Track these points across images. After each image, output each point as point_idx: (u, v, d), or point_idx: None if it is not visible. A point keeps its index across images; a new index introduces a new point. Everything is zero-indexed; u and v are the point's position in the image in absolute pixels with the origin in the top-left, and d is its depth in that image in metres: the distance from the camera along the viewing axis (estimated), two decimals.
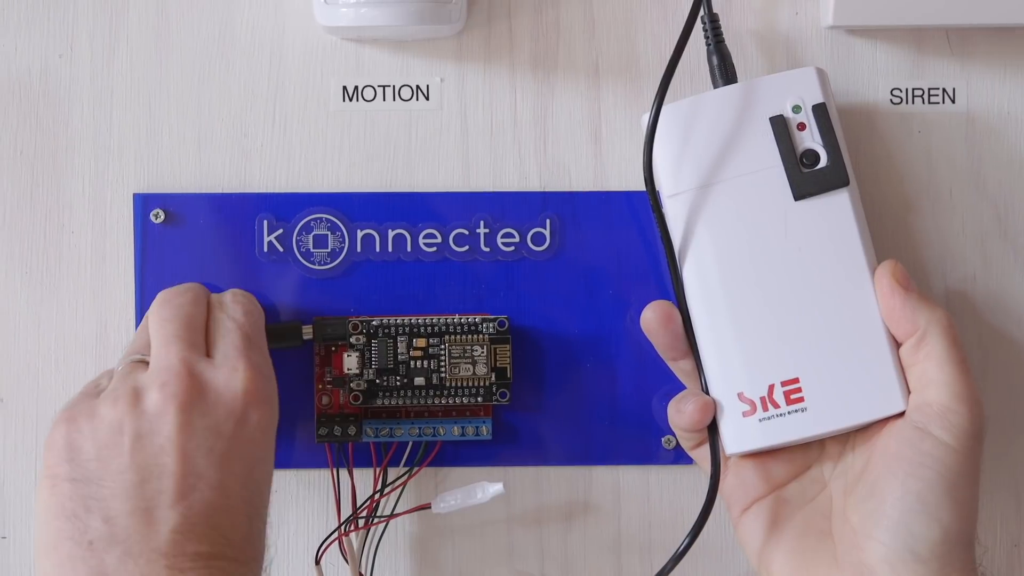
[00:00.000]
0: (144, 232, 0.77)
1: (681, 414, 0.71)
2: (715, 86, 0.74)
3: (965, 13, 0.75)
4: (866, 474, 0.69)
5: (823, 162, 0.71)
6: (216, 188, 0.77)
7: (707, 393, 0.71)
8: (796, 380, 0.70)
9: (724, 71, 0.74)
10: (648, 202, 0.72)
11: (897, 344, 0.70)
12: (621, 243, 0.77)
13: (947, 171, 0.78)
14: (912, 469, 0.67)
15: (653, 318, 0.72)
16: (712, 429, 0.71)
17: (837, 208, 0.71)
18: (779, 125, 0.72)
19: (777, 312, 0.71)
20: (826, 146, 0.71)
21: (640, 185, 0.77)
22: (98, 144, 0.77)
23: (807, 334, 0.70)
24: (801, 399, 0.70)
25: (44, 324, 0.77)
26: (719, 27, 0.74)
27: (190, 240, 0.77)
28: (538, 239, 0.77)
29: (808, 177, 0.71)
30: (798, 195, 0.71)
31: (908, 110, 0.78)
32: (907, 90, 0.78)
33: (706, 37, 0.74)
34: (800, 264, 0.71)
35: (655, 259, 0.77)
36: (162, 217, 0.77)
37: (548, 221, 0.77)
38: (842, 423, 0.70)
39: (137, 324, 0.77)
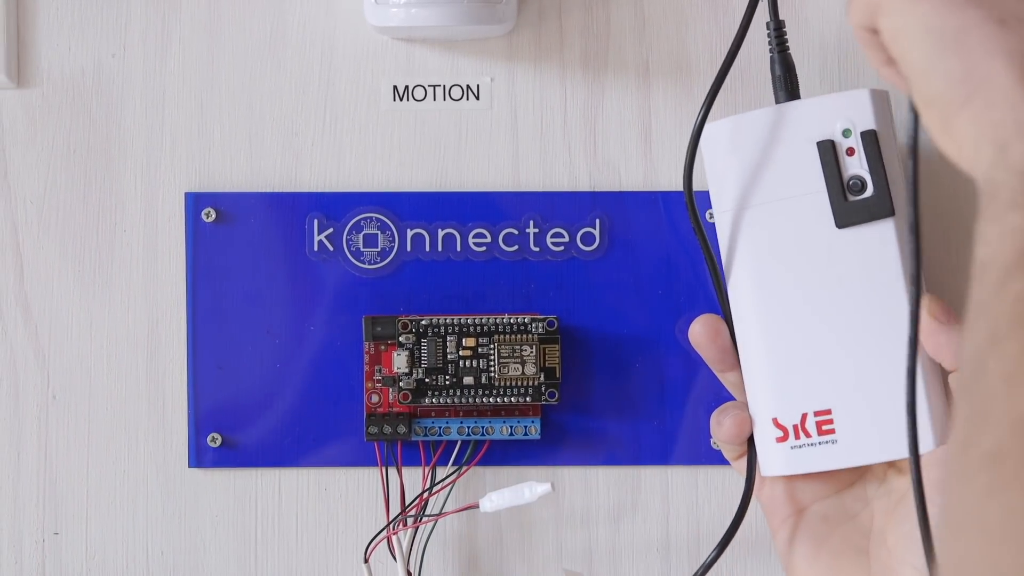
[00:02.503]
0: (195, 231, 0.77)
1: (720, 427, 0.71)
2: (776, 99, 0.72)
3: None
4: (908, 497, 0.68)
5: (869, 191, 0.69)
6: (267, 187, 0.78)
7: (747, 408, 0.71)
8: (828, 411, 0.69)
9: (786, 84, 0.72)
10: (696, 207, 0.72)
11: (945, 375, 0.69)
12: (671, 243, 0.77)
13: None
14: None
15: (701, 332, 0.72)
16: (751, 443, 0.71)
17: (881, 239, 0.69)
18: (826, 150, 0.70)
19: (814, 341, 0.70)
20: (873, 174, 0.69)
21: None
22: (150, 143, 0.78)
23: (842, 366, 0.69)
24: (832, 431, 0.69)
25: (96, 322, 0.78)
26: (784, 35, 0.72)
27: (241, 239, 0.77)
28: (587, 239, 0.77)
29: (852, 205, 0.69)
30: (841, 223, 0.69)
31: None
32: None
33: (770, 45, 0.72)
34: (840, 294, 0.70)
35: (704, 259, 0.76)
36: (213, 216, 0.77)
37: (598, 221, 0.77)
38: (871, 458, 0.69)
39: (188, 323, 0.77)
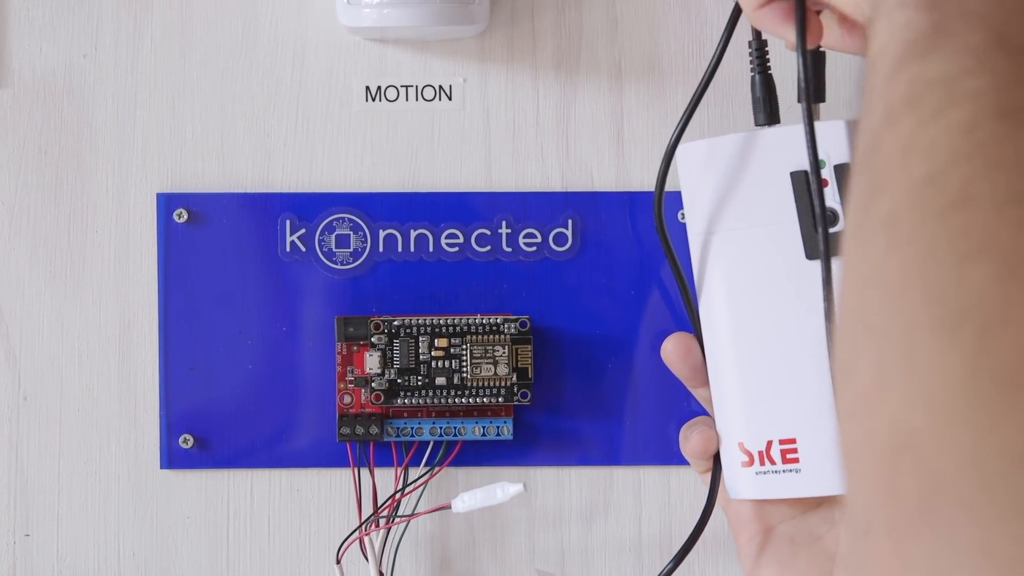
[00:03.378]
0: (167, 231, 0.77)
1: (687, 442, 0.71)
2: (756, 120, 0.72)
3: None
4: None
5: (841, 223, 0.69)
6: (239, 188, 0.78)
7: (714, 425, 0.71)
8: (793, 440, 0.69)
9: (767, 106, 0.70)
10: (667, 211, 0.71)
11: None
12: (643, 243, 0.77)
13: None
14: None
15: (673, 351, 0.71)
16: (718, 460, 0.70)
17: None
18: (800, 181, 0.69)
19: (782, 370, 0.69)
20: (844, 207, 0.69)
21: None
22: (122, 144, 0.78)
23: (809, 396, 0.69)
24: (796, 459, 0.69)
25: (68, 323, 0.78)
26: (766, 55, 0.70)
27: (213, 239, 0.77)
28: (560, 239, 0.77)
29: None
30: (811, 255, 0.69)
31: None
32: None
33: (751, 65, 0.70)
34: (808, 324, 0.69)
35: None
36: (185, 217, 0.77)
37: (570, 221, 0.77)
38: (833, 489, 0.69)
39: (160, 324, 0.77)
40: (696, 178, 0.70)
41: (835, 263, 0.68)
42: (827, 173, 0.68)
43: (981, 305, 0.38)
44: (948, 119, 0.42)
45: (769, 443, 0.69)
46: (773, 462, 0.69)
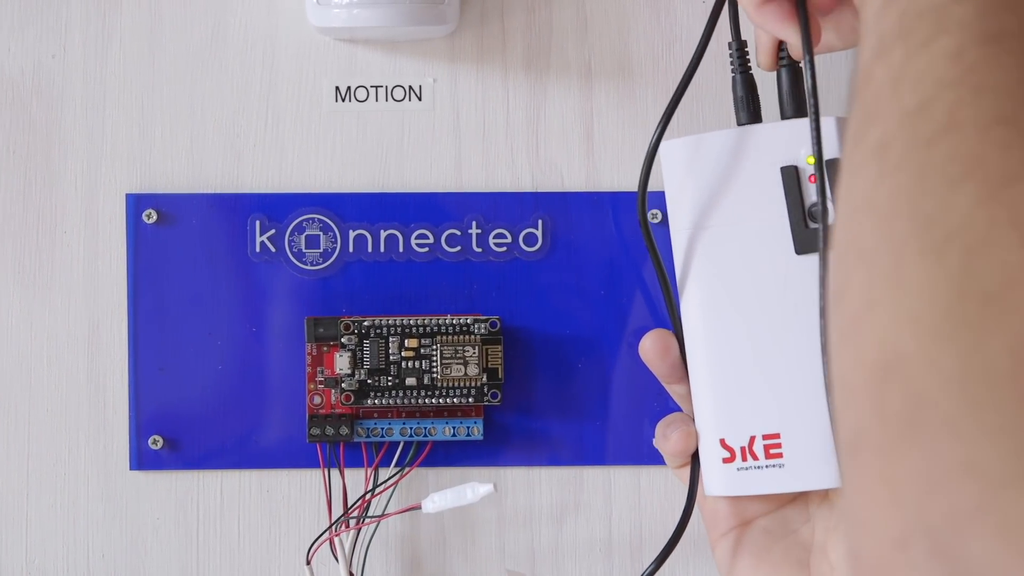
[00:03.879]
0: (136, 232, 0.77)
1: (666, 440, 0.70)
2: (738, 120, 0.72)
3: None
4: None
5: (830, 219, 0.69)
6: (209, 188, 0.77)
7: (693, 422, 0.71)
8: (777, 436, 0.69)
9: (748, 105, 0.70)
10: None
11: None
12: (613, 244, 0.77)
13: None
14: None
15: (651, 348, 0.71)
16: (695, 457, 0.70)
17: None
18: (789, 176, 0.69)
19: (767, 365, 0.69)
20: (835, 202, 0.69)
21: (632, 186, 0.77)
22: (91, 144, 0.77)
23: (794, 391, 0.69)
24: (780, 455, 0.69)
25: (36, 324, 0.77)
26: (747, 55, 0.70)
27: (182, 240, 0.77)
28: (530, 239, 0.77)
29: (813, 232, 0.69)
30: (800, 250, 0.69)
31: None
32: None
33: (732, 65, 0.71)
34: (795, 320, 0.69)
35: (646, 259, 0.77)
36: (154, 217, 0.77)
37: (540, 221, 0.77)
38: (817, 484, 0.69)
39: (130, 325, 0.77)
40: (680, 175, 0.70)
41: (813, 258, 0.68)
42: (816, 169, 0.69)
43: (966, 227, 0.38)
44: (936, 47, 0.43)
45: (752, 438, 0.69)
46: (756, 457, 0.69)
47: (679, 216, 0.70)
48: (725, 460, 0.70)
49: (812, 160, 0.68)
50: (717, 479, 0.70)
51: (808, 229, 0.68)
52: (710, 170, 0.70)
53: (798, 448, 0.69)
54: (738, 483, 0.70)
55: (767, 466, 0.69)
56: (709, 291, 0.69)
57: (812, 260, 0.68)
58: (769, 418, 0.69)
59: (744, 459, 0.69)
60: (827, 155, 0.68)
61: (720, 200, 0.70)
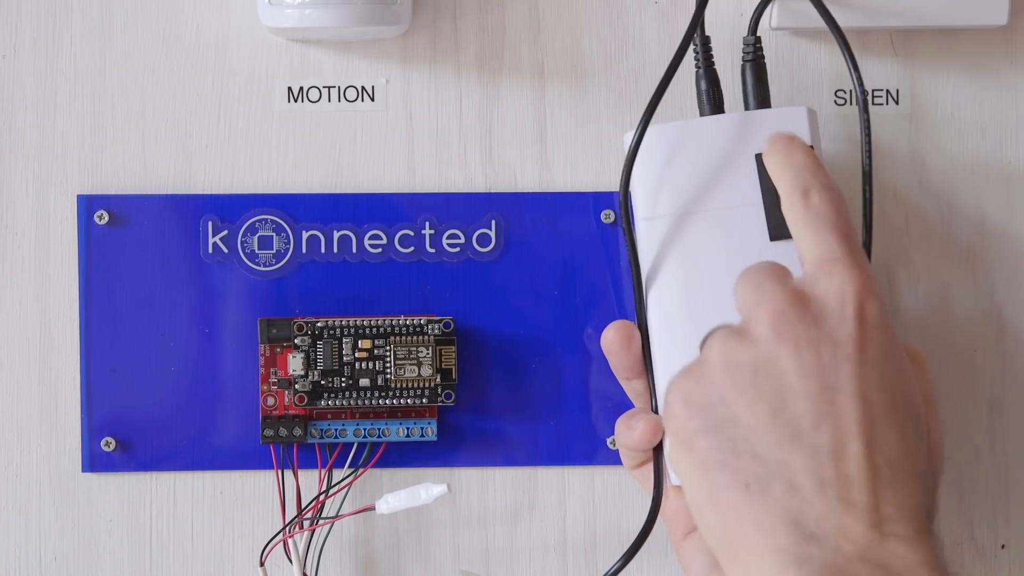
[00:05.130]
0: (88, 234, 0.77)
1: (631, 431, 0.70)
2: (701, 112, 0.73)
3: (909, 15, 0.75)
4: None
5: None
6: (160, 189, 0.77)
7: (657, 414, 0.71)
8: None
9: (713, 98, 0.73)
10: (615, 212, 0.72)
11: None
12: (566, 244, 0.77)
13: (891, 172, 0.78)
14: None
15: (614, 339, 0.72)
16: (658, 450, 0.70)
17: None
18: (763, 163, 0.70)
19: None
20: None
21: (585, 186, 0.77)
22: (42, 145, 0.77)
23: None
24: None
25: None
26: (710, 50, 0.73)
27: (135, 241, 0.77)
28: (483, 240, 0.77)
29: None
30: (774, 236, 0.70)
31: (852, 111, 0.78)
32: (851, 91, 0.78)
33: (696, 60, 0.73)
34: None
35: (600, 260, 0.77)
36: (106, 218, 0.77)
37: (493, 222, 0.77)
38: None
39: (81, 326, 0.76)
40: (652, 163, 0.70)
41: (786, 244, 0.69)
42: None
43: None
44: None
45: None
46: None
47: (649, 203, 0.70)
48: None
49: None
50: None
51: (782, 215, 0.69)
52: (682, 158, 0.70)
53: None
54: None
55: None
56: (684, 277, 0.70)
57: (786, 246, 0.69)
58: None
59: None
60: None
61: (693, 187, 0.70)
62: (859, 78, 0.69)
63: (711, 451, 0.62)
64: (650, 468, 0.71)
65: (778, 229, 0.69)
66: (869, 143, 0.69)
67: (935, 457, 0.65)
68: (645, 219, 0.71)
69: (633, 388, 0.73)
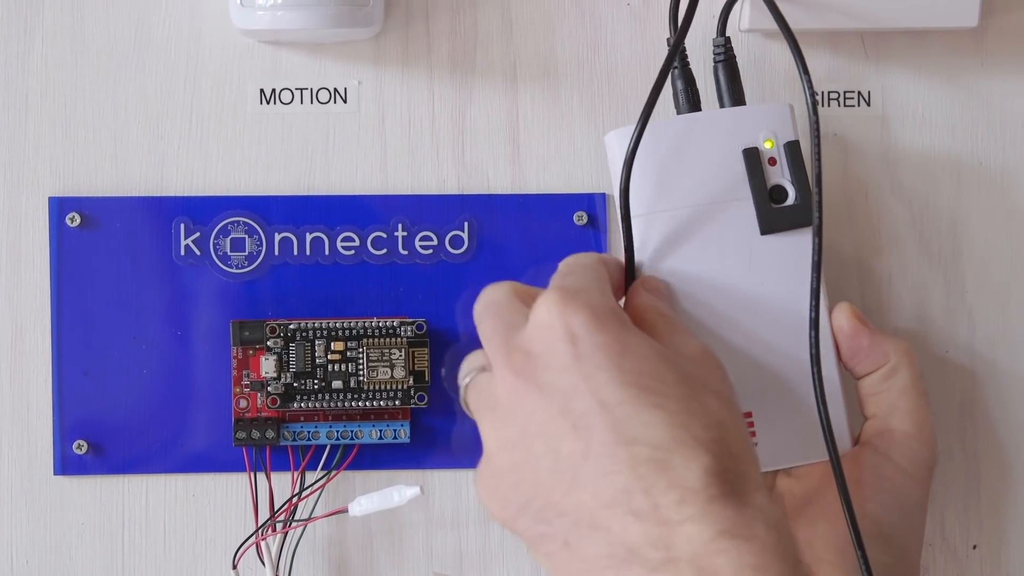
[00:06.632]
0: (60, 236, 0.76)
1: None
2: (678, 111, 0.73)
3: (880, 17, 0.75)
4: (816, 497, 0.69)
5: (791, 199, 0.71)
6: (132, 191, 0.77)
7: None
8: (749, 415, 0.70)
9: (689, 97, 0.73)
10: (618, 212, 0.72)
11: (857, 377, 0.71)
12: (539, 246, 0.77)
13: (863, 173, 0.78)
14: (871, 493, 0.68)
15: None
16: None
17: (802, 246, 0.70)
18: (752, 158, 0.71)
19: (734, 345, 0.70)
20: (796, 184, 0.71)
21: (558, 188, 0.77)
22: (12, 147, 0.77)
23: (763, 369, 0.70)
24: (753, 434, 0.70)
25: None
26: (685, 52, 0.74)
27: (106, 244, 0.76)
28: (456, 242, 0.77)
29: (776, 213, 0.71)
30: (765, 230, 0.70)
31: (824, 113, 0.78)
32: (823, 93, 0.78)
33: (673, 61, 0.73)
34: (761, 299, 0.70)
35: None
36: (78, 221, 0.76)
37: (466, 224, 0.77)
38: (790, 461, 0.70)
39: (53, 329, 0.76)
40: (649, 158, 0.70)
41: (776, 238, 0.69)
42: (775, 152, 0.70)
43: None
44: None
45: None
46: None
47: (639, 202, 0.70)
48: None
49: (771, 143, 0.70)
50: None
51: (772, 209, 0.70)
52: (666, 155, 0.71)
53: (770, 426, 0.70)
54: None
55: None
56: (677, 273, 0.70)
57: (776, 240, 0.69)
58: (740, 397, 0.70)
59: None
60: (785, 139, 0.70)
61: (680, 183, 0.71)
62: (809, 82, 0.69)
63: (531, 529, 0.61)
64: None
65: (768, 223, 0.70)
66: (819, 145, 0.69)
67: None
68: (634, 216, 0.71)
69: None
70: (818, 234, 0.69)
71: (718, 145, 0.71)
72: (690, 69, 0.73)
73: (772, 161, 0.71)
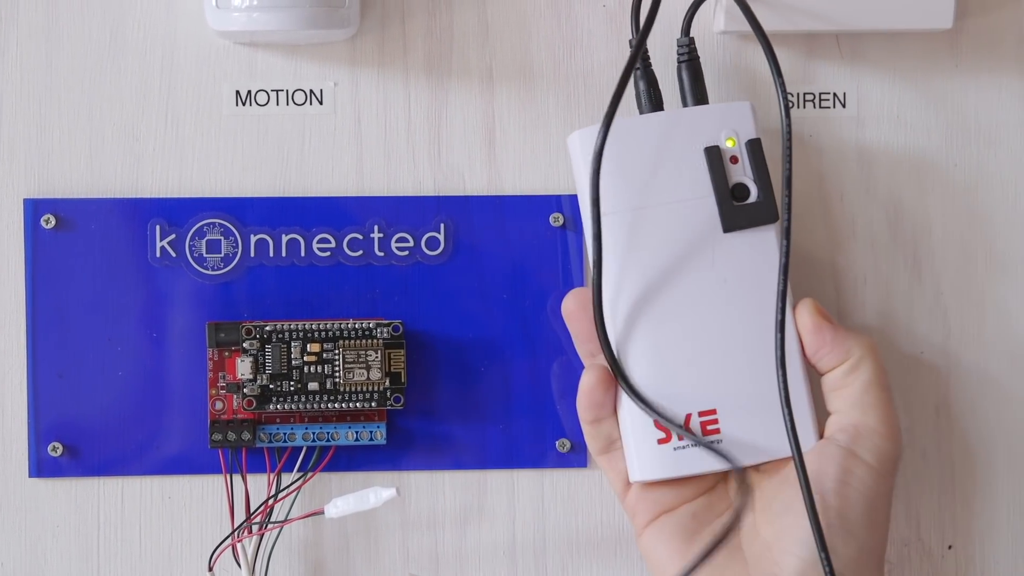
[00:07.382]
0: (35, 238, 0.76)
1: (583, 386, 0.71)
2: (640, 111, 0.74)
3: (855, 19, 0.75)
4: (782, 491, 0.70)
5: (753, 197, 0.71)
6: (108, 193, 0.77)
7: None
8: (714, 411, 0.70)
9: (651, 97, 0.74)
10: (577, 212, 0.72)
11: (821, 372, 0.71)
12: (515, 247, 0.77)
13: (838, 175, 0.79)
14: (834, 487, 0.68)
15: (574, 301, 0.72)
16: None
17: (764, 244, 0.71)
18: (713, 156, 0.71)
19: (699, 342, 0.71)
20: (758, 181, 0.71)
21: (534, 189, 0.77)
22: None
23: (727, 366, 0.70)
24: (717, 431, 0.70)
25: None
26: (647, 53, 0.74)
27: (82, 246, 0.76)
28: (432, 243, 0.77)
29: (738, 211, 0.71)
30: (727, 227, 0.71)
31: (799, 115, 0.78)
32: (798, 95, 0.78)
33: (636, 62, 0.73)
34: (725, 296, 0.71)
35: (549, 263, 0.77)
36: (53, 223, 0.76)
37: (442, 225, 0.77)
38: (756, 458, 0.71)
39: (28, 331, 0.76)
40: (612, 158, 0.71)
41: (738, 235, 0.70)
42: (736, 150, 0.71)
43: None
44: None
45: (688, 416, 0.70)
46: (693, 435, 0.70)
47: (610, 198, 0.71)
48: (660, 441, 0.71)
49: (732, 141, 0.70)
50: (652, 462, 0.71)
51: (734, 207, 0.70)
52: (630, 154, 0.71)
53: (734, 423, 0.70)
54: (676, 464, 0.70)
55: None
56: (640, 272, 0.70)
57: (738, 238, 0.70)
58: (704, 395, 0.70)
59: (681, 438, 0.70)
60: (747, 136, 0.71)
61: (642, 182, 0.71)
62: (782, 84, 0.70)
63: None
64: (619, 455, 0.72)
65: (730, 220, 0.71)
66: (790, 148, 0.70)
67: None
68: (603, 214, 0.71)
69: (594, 351, 0.73)
70: (786, 236, 0.69)
71: (680, 144, 0.71)
72: (652, 70, 0.74)
73: (734, 159, 0.71)
